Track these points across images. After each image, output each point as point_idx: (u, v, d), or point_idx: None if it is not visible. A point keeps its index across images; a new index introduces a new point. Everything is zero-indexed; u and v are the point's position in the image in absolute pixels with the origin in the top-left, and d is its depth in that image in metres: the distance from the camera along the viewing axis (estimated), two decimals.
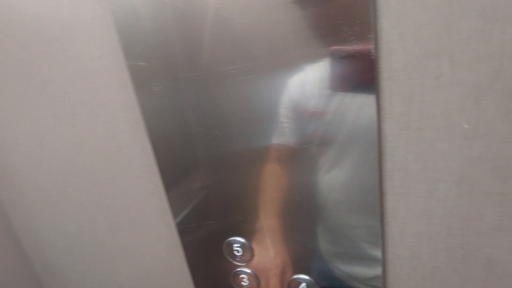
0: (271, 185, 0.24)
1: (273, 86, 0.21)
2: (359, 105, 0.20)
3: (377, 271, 0.24)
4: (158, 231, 0.32)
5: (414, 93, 0.19)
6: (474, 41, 0.17)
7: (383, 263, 0.23)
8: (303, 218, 0.24)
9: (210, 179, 0.26)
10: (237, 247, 0.27)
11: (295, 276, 0.26)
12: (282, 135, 0.22)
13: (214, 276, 0.30)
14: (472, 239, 0.21)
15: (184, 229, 0.29)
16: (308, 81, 0.20)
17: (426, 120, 0.20)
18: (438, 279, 0.23)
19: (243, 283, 0.29)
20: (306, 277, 0.26)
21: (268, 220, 0.25)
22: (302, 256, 0.25)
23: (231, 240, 0.27)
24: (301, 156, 0.22)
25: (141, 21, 0.23)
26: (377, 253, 0.23)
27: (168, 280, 0.34)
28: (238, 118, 0.23)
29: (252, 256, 0.27)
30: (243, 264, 0.28)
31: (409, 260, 0.23)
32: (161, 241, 0.32)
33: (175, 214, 0.29)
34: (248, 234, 0.27)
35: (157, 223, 0.31)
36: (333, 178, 0.22)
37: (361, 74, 0.19)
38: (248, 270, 0.28)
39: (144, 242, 0.33)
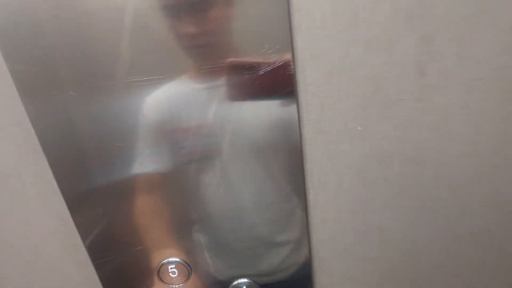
0: (193, 198, 0.24)
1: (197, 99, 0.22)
2: (281, 113, 0.23)
3: (305, 258, 0.27)
4: (66, 272, 0.26)
5: (323, 103, 0.23)
6: (360, 63, 0.22)
7: (309, 249, 0.27)
8: (232, 225, 0.25)
9: (130, 198, 0.24)
10: (172, 268, 0.25)
11: (235, 283, 0.26)
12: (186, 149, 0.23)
13: None
14: (368, 217, 0.27)
15: (102, 264, 0.25)
16: (222, 93, 0.22)
17: (332, 125, 0.24)
18: (349, 255, 0.28)
19: None
20: (245, 280, 0.27)
21: (196, 233, 0.25)
22: (238, 260, 0.26)
23: (165, 262, 0.25)
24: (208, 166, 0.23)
25: (30, 14, 0.19)
26: (304, 241, 0.26)
27: None
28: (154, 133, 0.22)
29: (189, 273, 0.26)
30: (181, 284, 0.26)
31: (328, 243, 0.27)
32: (73, 285, 0.27)
33: (88, 247, 0.24)
34: (181, 251, 0.25)
35: (64, 263, 0.26)
36: (249, 180, 0.24)
37: (283, 86, 0.22)
38: None
39: None
